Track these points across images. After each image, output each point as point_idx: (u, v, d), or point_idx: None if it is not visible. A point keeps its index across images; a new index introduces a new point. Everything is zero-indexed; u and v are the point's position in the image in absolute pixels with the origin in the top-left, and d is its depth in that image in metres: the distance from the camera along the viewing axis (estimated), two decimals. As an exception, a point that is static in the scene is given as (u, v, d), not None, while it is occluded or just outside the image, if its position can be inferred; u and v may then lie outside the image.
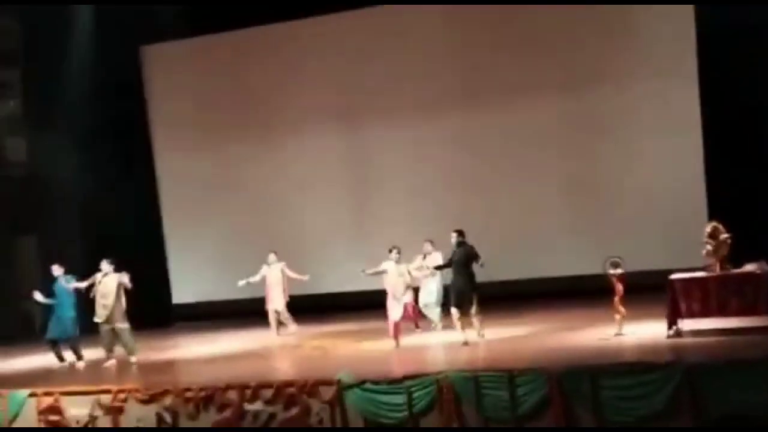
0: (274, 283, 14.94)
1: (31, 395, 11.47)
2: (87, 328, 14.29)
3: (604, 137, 16.32)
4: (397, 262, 13.08)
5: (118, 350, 13.75)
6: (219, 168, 18.81)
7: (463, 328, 12.23)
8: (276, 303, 14.94)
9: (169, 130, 19.23)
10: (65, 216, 18.70)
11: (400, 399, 10.12)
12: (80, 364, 13.99)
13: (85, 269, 14.17)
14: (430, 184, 17.18)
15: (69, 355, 14.07)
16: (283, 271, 14.95)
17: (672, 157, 15.86)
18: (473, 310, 12.18)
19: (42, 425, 11.31)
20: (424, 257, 13.85)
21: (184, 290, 19.13)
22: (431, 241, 13.78)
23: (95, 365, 13.68)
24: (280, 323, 15.04)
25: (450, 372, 10.04)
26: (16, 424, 11.43)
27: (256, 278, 15.05)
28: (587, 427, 9.53)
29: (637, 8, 15.74)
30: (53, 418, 11.30)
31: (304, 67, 18.05)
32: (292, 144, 18.24)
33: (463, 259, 12.24)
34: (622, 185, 16.22)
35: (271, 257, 15.07)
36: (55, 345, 14.05)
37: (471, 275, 12.27)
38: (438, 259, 13.45)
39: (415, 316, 13.60)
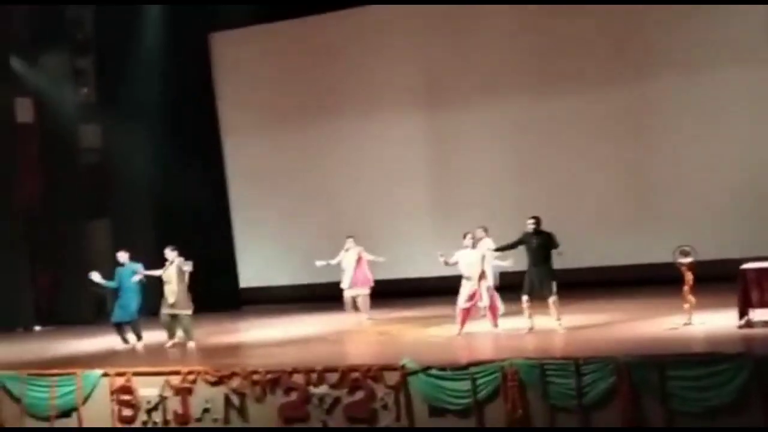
0: (350, 267, 15.01)
1: (104, 375, 11.74)
2: (150, 311, 14.57)
3: (680, 124, 16.05)
4: (473, 247, 12.74)
5: (180, 333, 13.98)
6: (286, 153, 19.00)
7: (530, 315, 12.13)
8: (352, 287, 15.01)
9: (238, 116, 19.46)
10: (136, 201, 19.12)
11: (464, 385, 10.11)
12: (140, 345, 14.29)
13: (155, 254, 14.44)
14: (507, 168, 17.12)
15: (133, 338, 14.38)
16: (360, 256, 15.00)
17: (746, 145, 15.54)
18: (552, 298, 11.99)
19: (114, 404, 11.57)
20: (474, 245, 13.85)
21: (251, 274, 19.37)
22: (484, 228, 13.75)
23: (156, 347, 13.95)
24: (356, 308, 15.11)
25: (515, 359, 10.00)
26: (90, 403, 11.73)
27: (334, 261, 15.11)
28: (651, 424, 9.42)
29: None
30: (125, 397, 11.56)
31: (375, 52, 18.09)
32: (362, 129, 18.31)
33: (541, 247, 12.05)
34: (694, 173, 15.94)
35: (349, 242, 15.13)
36: (120, 328, 14.38)
37: (549, 262, 12.09)
38: (490, 245, 13.32)
39: (492, 310, 12.77)
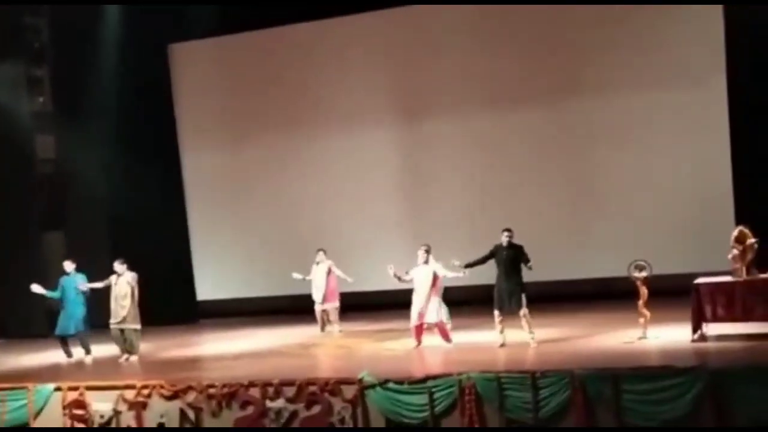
0: (322, 281, 14.97)
1: (57, 389, 11.58)
2: (96, 324, 14.39)
3: (633, 141, 16.24)
4: (426, 262, 12.75)
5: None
6: (245, 166, 18.91)
7: (502, 330, 12.13)
8: (320, 302, 14.98)
9: (196, 127, 19.31)
10: (92, 212, 18.87)
11: (421, 399, 10.12)
12: (88, 359, 14.12)
13: (110, 266, 14.25)
14: (473, 183, 17.16)
15: (78, 351, 14.18)
16: (330, 269, 14.97)
17: (699, 160, 15.77)
18: (522, 311, 11.98)
19: (67, 419, 11.41)
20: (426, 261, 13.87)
21: (209, 287, 19.21)
22: (427, 249, 13.23)
23: (106, 361, 13.82)
24: (326, 321, 15.07)
25: (472, 373, 10.03)
26: (42, 417, 11.55)
27: (309, 277, 15.05)
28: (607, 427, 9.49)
29: (665, 10, 15.64)
30: (78, 412, 11.41)
31: (337, 64, 18.04)
32: (324, 141, 18.22)
33: (512, 260, 12.03)
34: (648, 188, 16.13)
35: (320, 255, 15.10)
36: (64, 341, 14.19)
37: (520, 275, 12.05)
38: (436, 266, 13.14)
39: (440, 327, 12.73)
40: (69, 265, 14.30)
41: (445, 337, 12.64)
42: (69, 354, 14.19)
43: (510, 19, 16.88)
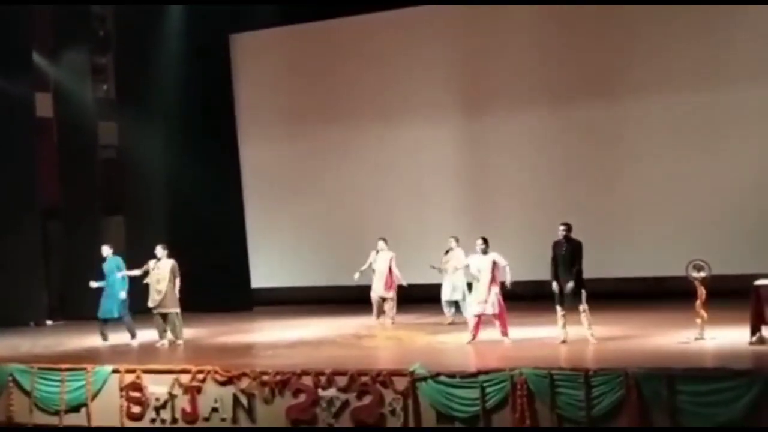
0: (380, 270, 15.04)
1: (115, 371, 11.79)
2: (137, 308, 14.59)
3: (694, 139, 16.01)
4: (484, 252, 12.53)
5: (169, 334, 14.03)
6: (303, 156, 19.04)
7: (564, 325, 12.02)
8: (380, 290, 15.05)
9: (254, 117, 19.51)
10: (151, 198, 19.21)
11: (473, 393, 10.10)
12: (134, 343, 14.31)
13: (169, 250, 14.43)
14: (533, 176, 17.09)
15: (117, 336, 14.39)
16: (390, 261, 15.04)
17: (761, 160, 15.47)
18: (582, 307, 11.86)
19: (123, 401, 11.62)
20: (446, 253, 14.26)
21: (263, 275, 19.40)
22: (456, 238, 14.09)
23: (151, 345, 14.01)
24: (382, 311, 15.14)
25: (525, 368, 9.98)
26: (99, 399, 11.78)
27: (365, 266, 15.13)
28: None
29: (723, 8, 15.39)
30: (134, 394, 11.61)
31: (397, 57, 18.08)
32: (382, 134, 18.30)
33: (571, 255, 11.89)
34: (708, 188, 15.89)
35: (380, 244, 15.16)
36: (104, 323, 14.39)
37: (579, 271, 11.87)
38: (460, 255, 13.68)
39: (501, 318, 12.63)
40: (106, 250, 14.53)
41: (504, 329, 12.57)
42: (105, 337, 14.41)
43: (568, 14, 16.74)
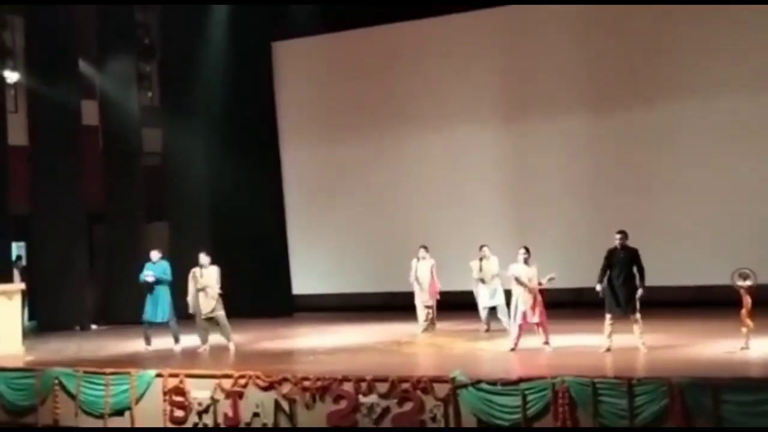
0: (423, 278, 15.10)
1: (158, 375, 11.91)
2: (181, 314, 14.71)
3: (740, 146, 15.80)
4: (526, 262, 12.54)
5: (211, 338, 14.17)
6: (344, 163, 19.10)
7: (610, 334, 11.92)
8: (424, 298, 15.11)
9: (296, 124, 19.63)
10: (194, 205, 19.39)
11: (514, 401, 10.05)
12: (177, 348, 14.44)
13: (211, 257, 14.56)
14: (577, 183, 16.99)
15: (159, 341, 14.51)
16: (432, 269, 15.08)
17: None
18: (635, 316, 11.79)
19: (167, 405, 11.73)
20: (481, 261, 14.39)
21: (304, 281, 19.48)
22: (486, 246, 14.42)
23: (194, 350, 14.13)
24: (429, 318, 15.20)
25: (567, 376, 9.91)
26: (143, 403, 11.90)
27: (413, 276, 15.18)
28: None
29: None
30: (177, 398, 11.70)
31: (438, 63, 18.07)
32: (417, 140, 18.31)
33: (627, 263, 11.82)
34: (757, 195, 15.66)
35: (422, 252, 15.24)
36: (150, 327, 14.54)
37: (634, 279, 11.81)
38: (495, 262, 14.05)
39: (544, 326, 12.63)
40: (155, 255, 14.69)
41: (546, 337, 12.50)
42: (149, 341, 14.55)
43: (611, 20, 16.62)
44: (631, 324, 11.91)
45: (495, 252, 14.68)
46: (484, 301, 14.72)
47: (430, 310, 15.18)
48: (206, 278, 13.99)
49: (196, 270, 14.08)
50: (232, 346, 14.07)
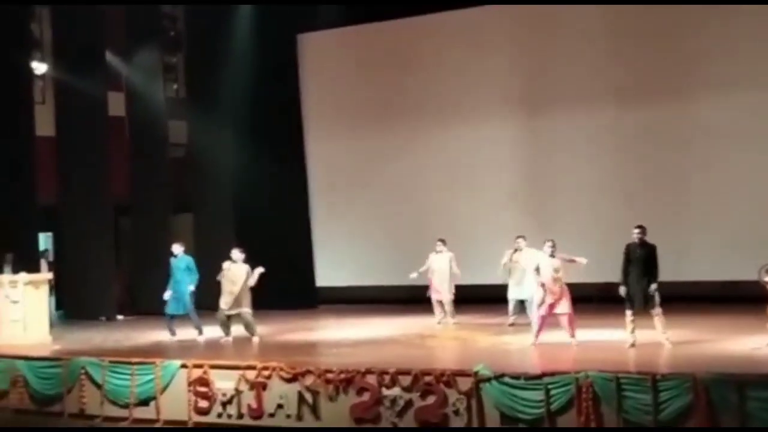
0: (440, 271, 15.08)
1: (183, 366, 11.98)
2: (205, 305, 14.76)
3: (762, 141, 15.64)
4: (552, 255, 12.53)
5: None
6: (368, 155, 19.12)
7: (633, 330, 11.87)
8: (442, 291, 15.11)
9: (321, 116, 19.65)
10: (219, 197, 19.45)
11: (537, 395, 10.03)
12: (201, 339, 14.51)
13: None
14: (599, 176, 16.88)
15: (183, 332, 14.60)
16: (450, 262, 15.08)
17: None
18: (656, 310, 11.77)
19: (191, 395, 11.81)
20: (514, 252, 14.26)
21: (328, 274, 19.52)
22: (523, 237, 14.23)
23: (217, 342, 14.19)
24: (443, 311, 15.20)
25: (590, 371, 9.88)
26: (168, 393, 11.98)
27: (423, 268, 15.19)
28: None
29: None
30: (201, 389, 11.78)
31: (463, 56, 18.02)
32: (447, 133, 18.25)
33: (646, 258, 11.78)
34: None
35: (439, 245, 15.21)
36: (171, 320, 14.64)
37: (650, 275, 11.77)
38: (530, 255, 13.59)
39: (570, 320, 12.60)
40: (177, 248, 14.74)
41: (572, 331, 12.46)
42: (173, 333, 14.63)
43: (635, 13, 16.49)
44: (653, 319, 11.84)
45: (510, 243, 14.64)
46: (512, 293, 14.63)
47: (447, 304, 15.13)
48: (233, 273, 14.00)
49: (226, 263, 14.13)
50: (256, 340, 14.12)
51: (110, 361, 12.51)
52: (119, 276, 19.42)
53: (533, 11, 17.40)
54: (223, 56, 19.18)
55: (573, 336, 12.40)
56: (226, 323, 14.18)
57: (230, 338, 14.19)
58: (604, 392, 9.73)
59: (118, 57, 19.64)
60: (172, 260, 14.71)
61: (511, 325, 14.45)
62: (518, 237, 14.55)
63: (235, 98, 19.14)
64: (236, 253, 14.15)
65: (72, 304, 18.64)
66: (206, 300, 14.89)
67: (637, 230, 11.91)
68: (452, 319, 15.16)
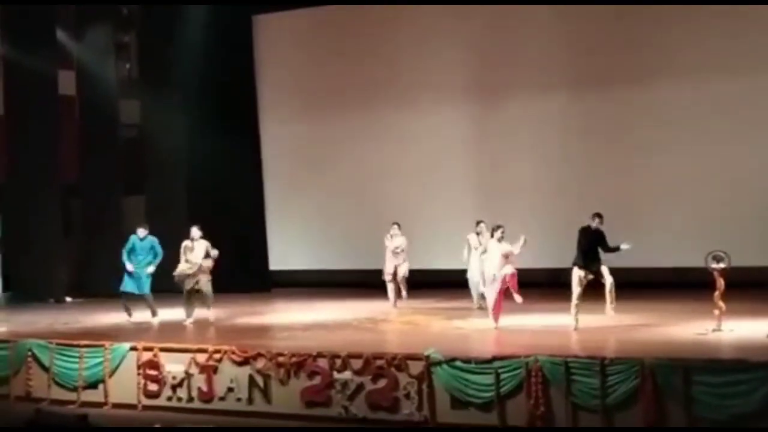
0: (395, 253, 15.13)
1: (132, 348, 11.89)
2: (162, 288, 14.72)
3: (714, 128, 15.86)
4: (500, 240, 12.62)
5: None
6: (324, 138, 19.01)
7: (577, 313, 12.07)
8: (395, 272, 15.16)
9: (276, 99, 19.50)
10: (172, 178, 19.25)
11: (487, 379, 10.12)
12: (155, 321, 14.43)
13: (188, 231, 14.52)
14: (546, 164, 16.96)
15: (138, 314, 14.53)
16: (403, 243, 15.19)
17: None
18: (610, 281, 12.07)
19: (140, 378, 11.72)
20: (478, 235, 14.28)
21: (281, 257, 19.44)
22: (483, 221, 14.20)
23: (171, 324, 14.16)
24: (398, 293, 15.25)
25: (540, 355, 9.98)
26: (117, 376, 11.89)
27: (388, 252, 15.16)
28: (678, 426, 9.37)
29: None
30: (151, 372, 11.71)
31: (419, 41, 17.97)
32: (402, 118, 18.19)
33: (598, 241, 12.13)
34: (728, 178, 15.74)
35: (394, 228, 15.24)
36: (127, 298, 14.54)
37: (607, 250, 12.20)
38: (488, 239, 13.47)
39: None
40: (142, 232, 14.62)
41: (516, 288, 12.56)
42: (129, 313, 14.53)
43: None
44: (602, 302, 11.97)
45: (469, 231, 14.70)
46: (474, 276, 14.61)
47: (393, 284, 15.22)
48: (195, 252, 14.11)
49: (187, 243, 14.22)
50: (211, 316, 14.14)
51: (58, 344, 12.38)
52: (68, 257, 19.15)
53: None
54: (177, 35, 18.93)
55: (518, 293, 12.50)
56: (189, 302, 14.15)
57: (191, 321, 14.13)
58: (553, 376, 9.85)
59: (69, 35, 19.29)
60: (136, 241, 14.52)
61: (479, 308, 14.34)
62: (479, 221, 14.54)
63: (190, 78, 18.90)
64: (195, 231, 14.27)
65: (20, 286, 18.35)
66: (162, 282, 14.74)
67: (597, 219, 12.19)
68: (404, 294, 15.22)
